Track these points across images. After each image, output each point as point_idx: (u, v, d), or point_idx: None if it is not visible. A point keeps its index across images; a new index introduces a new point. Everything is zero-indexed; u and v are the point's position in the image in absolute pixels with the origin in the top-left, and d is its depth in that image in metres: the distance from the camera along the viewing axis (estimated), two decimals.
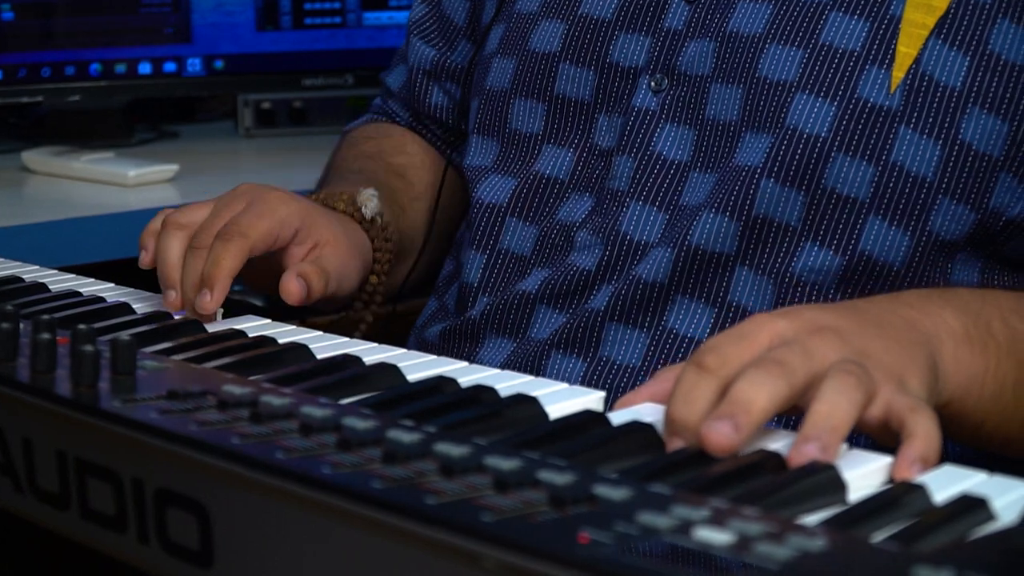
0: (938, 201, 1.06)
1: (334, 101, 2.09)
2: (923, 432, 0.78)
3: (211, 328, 1.05)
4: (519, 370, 1.13)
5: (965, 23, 1.07)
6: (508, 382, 0.91)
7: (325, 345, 1.01)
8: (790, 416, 0.84)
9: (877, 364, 0.82)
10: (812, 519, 0.69)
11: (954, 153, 1.06)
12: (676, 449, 0.79)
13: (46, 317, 0.90)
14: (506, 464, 0.70)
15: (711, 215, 1.10)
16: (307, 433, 0.75)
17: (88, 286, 1.18)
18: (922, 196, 1.06)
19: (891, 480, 0.77)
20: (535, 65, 1.23)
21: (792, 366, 0.79)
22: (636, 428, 0.82)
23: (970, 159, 1.06)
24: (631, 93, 1.17)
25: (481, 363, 1.16)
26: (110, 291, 1.17)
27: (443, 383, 0.91)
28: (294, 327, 1.07)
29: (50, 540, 0.85)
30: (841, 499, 0.74)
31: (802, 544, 0.61)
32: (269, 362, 0.96)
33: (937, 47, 1.07)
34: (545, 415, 0.86)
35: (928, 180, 1.06)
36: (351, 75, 2.02)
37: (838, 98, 1.08)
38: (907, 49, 1.07)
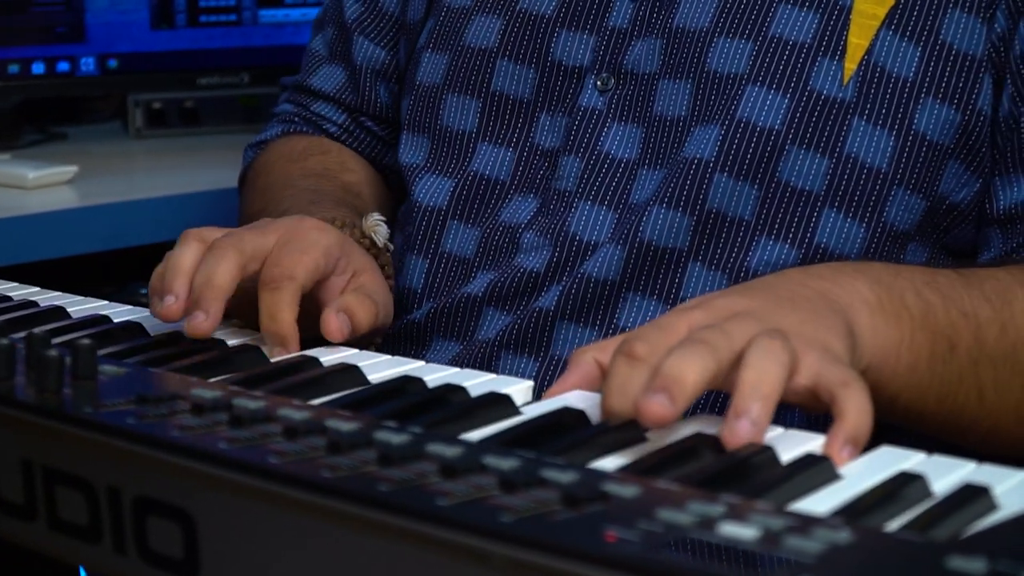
0: (892, 192, 1.07)
1: (226, 100, 2.05)
2: (854, 410, 0.78)
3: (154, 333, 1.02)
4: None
5: (916, 13, 1.07)
6: (473, 380, 0.90)
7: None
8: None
9: (796, 336, 0.81)
10: (820, 510, 0.69)
11: (908, 143, 1.07)
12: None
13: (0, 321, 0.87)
14: (506, 464, 0.69)
15: (662, 210, 1.10)
16: (292, 436, 0.73)
17: (14, 291, 1.15)
18: (877, 187, 1.07)
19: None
20: (470, 60, 1.21)
21: (715, 344, 0.79)
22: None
23: (924, 149, 1.07)
24: (576, 92, 1.16)
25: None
26: (38, 295, 1.13)
27: (408, 383, 0.89)
28: (236, 328, 1.04)
29: (13, 553, 0.82)
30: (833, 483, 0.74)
31: (828, 537, 0.61)
32: (224, 365, 0.94)
33: (888, 38, 1.07)
34: (517, 411, 0.85)
35: (883, 171, 1.07)
36: (247, 73, 1.99)
37: (790, 90, 1.08)
38: (859, 40, 1.07)
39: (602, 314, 1.11)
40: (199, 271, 0.98)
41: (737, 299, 0.87)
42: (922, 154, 1.07)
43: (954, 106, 1.07)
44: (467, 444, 0.72)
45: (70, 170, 1.73)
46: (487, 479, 0.67)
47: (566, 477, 0.67)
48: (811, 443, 0.79)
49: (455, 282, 1.18)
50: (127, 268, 1.74)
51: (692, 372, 0.77)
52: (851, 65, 1.07)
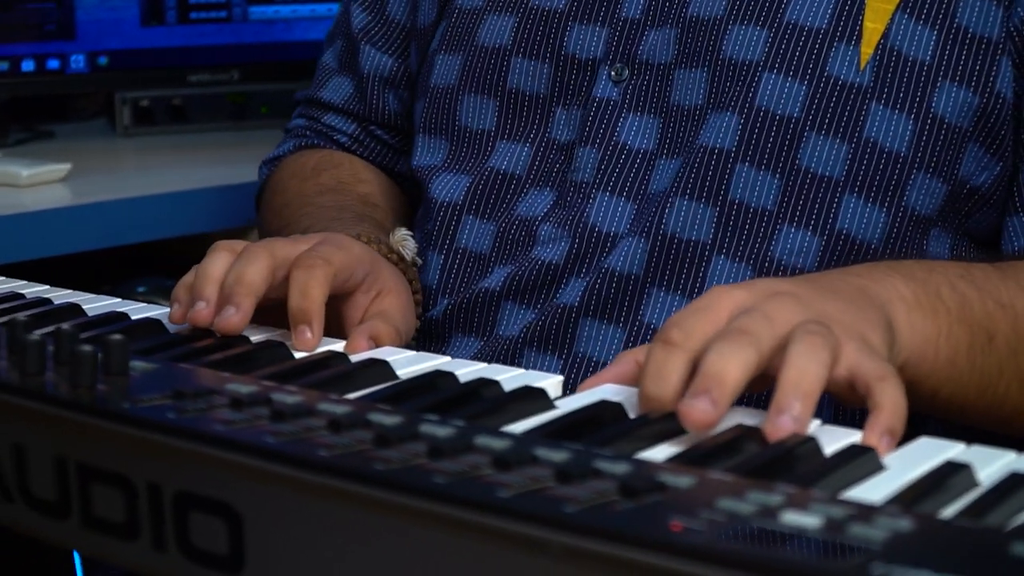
0: (912, 176, 1.07)
1: (213, 98, 2.04)
2: (890, 403, 0.78)
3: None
4: None
5: None
6: (503, 375, 0.89)
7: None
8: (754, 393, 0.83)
9: (837, 323, 0.82)
10: (872, 498, 0.69)
11: (927, 127, 1.07)
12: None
13: (23, 317, 0.86)
14: (557, 455, 0.68)
15: (684, 202, 1.10)
16: (337, 430, 0.72)
17: (24, 288, 1.13)
18: (896, 171, 1.07)
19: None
20: (484, 60, 1.21)
21: (757, 333, 0.79)
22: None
23: (942, 132, 1.07)
24: (590, 84, 1.16)
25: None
26: (49, 292, 1.12)
27: (439, 377, 0.88)
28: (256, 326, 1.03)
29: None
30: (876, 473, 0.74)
31: (890, 524, 0.61)
32: (251, 360, 0.93)
33: (904, 22, 1.08)
34: (552, 404, 0.84)
35: (902, 155, 1.07)
36: (237, 71, 1.98)
37: (807, 76, 1.08)
38: (874, 25, 1.08)
39: (627, 310, 1.11)
40: (230, 272, 0.98)
41: (780, 283, 0.87)
42: (941, 137, 1.07)
43: (971, 89, 1.07)
44: (514, 437, 0.71)
45: (63, 168, 1.72)
46: (541, 471, 0.67)
47: (620, 468, 0.67)
48: (850, 437, 0.78)
49: (471, 277, 1.18)
50: (121, 266, 1.73)
51: (734, 369, 0.77)
52: (867, 50, 1.07)
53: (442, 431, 0.72)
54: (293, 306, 0.97)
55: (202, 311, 0.97)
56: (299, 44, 2.00)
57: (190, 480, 0.72)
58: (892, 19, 1.07)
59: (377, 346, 0.99)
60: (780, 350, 0.79)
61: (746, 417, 0.80)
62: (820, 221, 1.08)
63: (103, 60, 1.91)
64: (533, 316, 1.13)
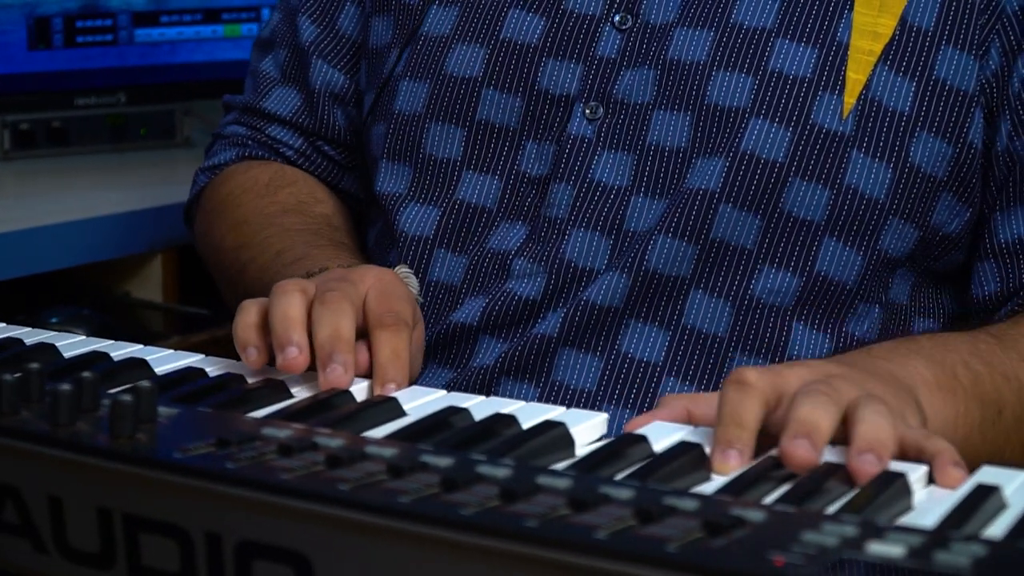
0: (888, 221, 1.12)
1: (94, 120, 2.01)
2: (946, 447, 0.83)
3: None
4: None
5: (909, 50, 1.12)
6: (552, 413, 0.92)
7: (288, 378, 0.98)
8: None
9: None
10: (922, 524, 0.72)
11: (904, 175, 1.11)
12: (730, 465, 0.82)
13: (35, 367, 0.85)
14: (626, 494, 0.71)
15: (667, 239, 1.12)
16: (399, 475, 0.73)
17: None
18: (874, 217, 1.11)
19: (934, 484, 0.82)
20: (453, 89, 1.21)
21: (835, 396, 0.84)
22: (681, 448, 0.84)
23: (918, 181, 1.12)
24: (564, 120, 1.17)
25: None
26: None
27: (451, 414, 0.90)
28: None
29: None
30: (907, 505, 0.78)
31: (968, 551, 0.64)
32: (250, 400, 0.94)
33: (884, 73, 1.12)
34: (571, 439, 0.87)
35: (880, 201, 1.11)
36: (123, 93, 1.96)
37: (793, 123, 1.11)
38: (856, 75, 1.11)
39: (604, 340, 1.13)
40: (322, 325, 0.97)
41: (827, 366, 0.92)
42: (917, 186, 1.12)
43: (946, 140, 1.12)
44: (581, 477, 0.74)
45: None
46: (619, 510, 0.69)
47: (693, 504, 0.70)
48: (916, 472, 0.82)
49: (443, 309, 1.19)
50: (28, 296, 1.70)
51: (826, 419, 0.82)
52: (850, 100, 1.11)
53: (502, 472, 0.73)
54: (385, 365, 0.98)
55: (297, 358, 0.96)
56: (184, 66, 1.99)
57: (254, 529, 0.73)
58: (874, 70, 1.11)
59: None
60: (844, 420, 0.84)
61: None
62: (800, 262, 1.12)
63: None
64: (508, 346, 1.15)
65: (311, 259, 1.18)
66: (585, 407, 1.11)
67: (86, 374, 0.84)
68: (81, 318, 1.56)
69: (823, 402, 0.82)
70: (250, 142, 1.40)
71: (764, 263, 1.12)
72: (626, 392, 1.13)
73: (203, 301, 1.74)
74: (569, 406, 1.10)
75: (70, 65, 1.91)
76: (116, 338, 1.09)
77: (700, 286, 1.13)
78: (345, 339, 0.96)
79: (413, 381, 1.03)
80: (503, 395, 1.13)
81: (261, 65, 1.40)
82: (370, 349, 0.99)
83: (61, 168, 1.97)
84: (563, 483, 0.72)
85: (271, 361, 0.99)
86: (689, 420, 0.89)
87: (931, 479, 0.82)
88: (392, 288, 1.03)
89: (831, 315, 1.13)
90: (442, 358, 1.18)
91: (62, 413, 0.80)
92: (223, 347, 1.12)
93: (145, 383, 0.82)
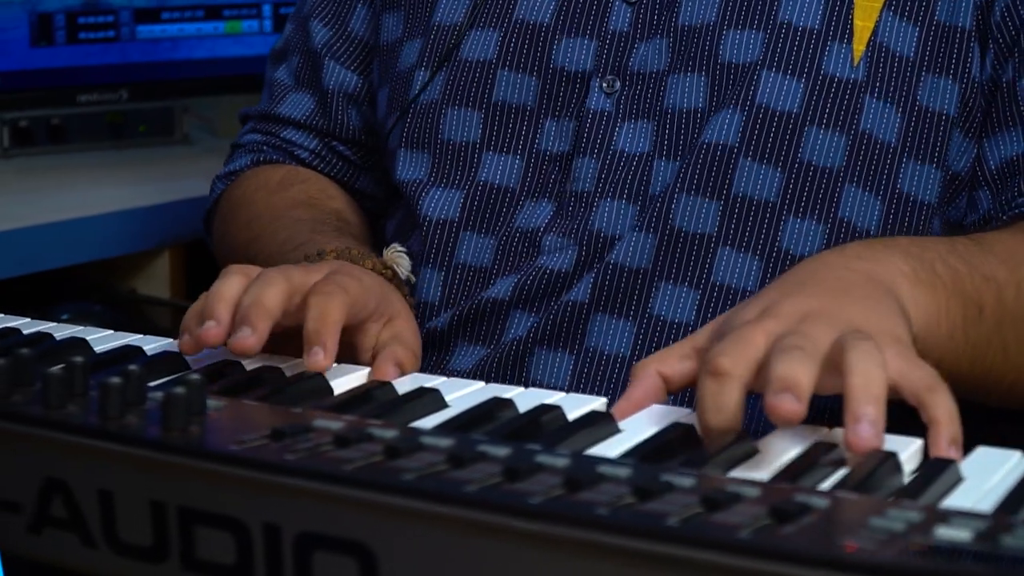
0: (903, 164, 1.13)
1: (93, 117, 2.01)
2: (946, 413, 0.83)
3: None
4: (497, 370, 1.14)
5: None
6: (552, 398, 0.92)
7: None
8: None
9: (870, 330, 0.87)
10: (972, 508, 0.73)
11: (913, 117, 1.13)
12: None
13: (79, 360, 0.85)
14: (688, 482, 0.71)
15: (689, 198, 1.14)
16: (460, 464, 0.74)
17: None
18: (890, 160, 1.13)
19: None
20: (469, 74, 1.23)
21: (807, 349, 0.83)
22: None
23: (929, 121, 1.13)
24: (582, 96, 1.19)
25: (453, 370, 1.15)
26: (28, 326, 1.11)
27: (495, 405, 0.90)
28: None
29: None
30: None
31: None
32: (291, 393, 0.94)
33: (890, 19, 1.14)
34: (616, 428, 0.87)
35: (892, 145, 1.13)
36: (125, 90, 1.95)
37: (805, 74, 1.13)
38: (864, 23, 1.14)
39: (635, 304, 1.14)
40: (246, 294, 0.98)
41: (798, 300, 0.91)
42: (928, 126, 1.13)
43: (951, 77, 1.14)
44: (636, 465, 0.74)
45: None
46: (684, 498, 0.69)
47: (754, 492, 0.70)
48: (909, 446, 0.83)
49: (473, 290, 1.20)
50: (38, 293, 1.69)
51: (805, 375, 0.82)
52: (860, 47, 1.13)
53: (561, 462, 0.74)
54: (310, 328, 0.97)
55: (212, 330, 0.96)
56: (185, 63, 1.99)
57: (315, 520, 0.73)
58: (880, 17, 1.14)
59: (402, 371, 1.01)
60: (829, 366, 0.83)
61: (803, 437, 0.84)
62: (822, 210, 1.13)
63: None
64: (540, 317, 1.16)
65: (312, 243, 1.19)
66: (620, 372, 1.13)
67: (132, 367, 0.83)
68: (92, 315, 1.55)
69: (798, 357, 0.82)
70: (265, 147, 1.41)
71: (788, 214, 1.13)
72: None
73: None
74: (606, 372, 1.13)
75: (72, 62, 1.91)
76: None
77: (727, 243, 1.14)
78: (263, 306, 0.96)
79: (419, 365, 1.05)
80: (536, 366, 1.15)
81: (275, 75, 1.42)
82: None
83: (60, 165, 1.96)
84: (624, 472, 0.72)
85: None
86: (668, 386, 0.90)
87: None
88: (346, 271, 1.04)
89: None
90: (474, 335, 1.18)
91: (112, 406, 0.80)
92: None
93: (194, 376, 0.82)
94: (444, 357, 1.19)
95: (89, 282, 1.74)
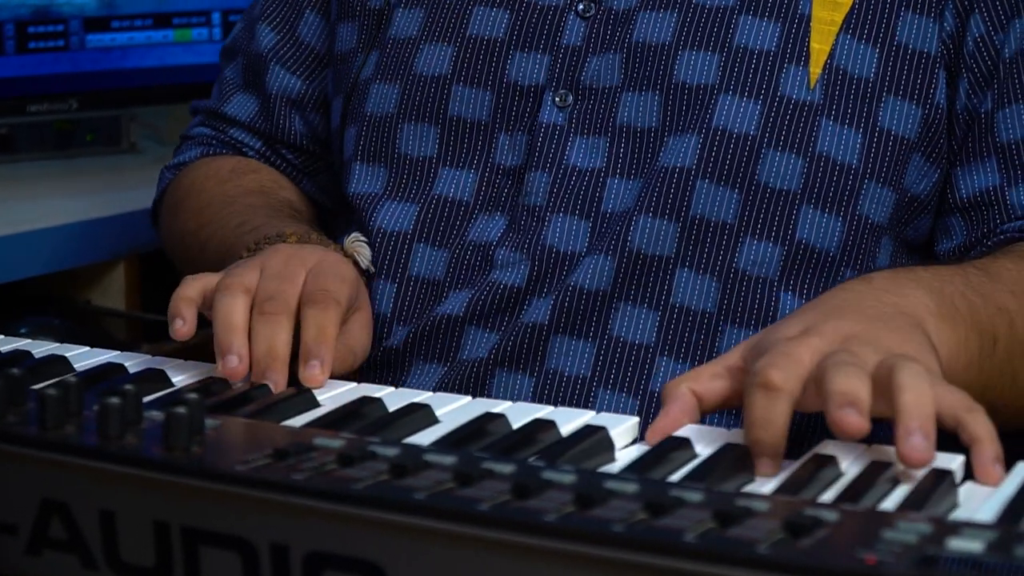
0: (864, 186, 1.14)
1: (40, 126, 1.99)
2: (987, 433, 0.85)
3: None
4: (457, 392, 1.13)
5: (870, 17, 1.15)
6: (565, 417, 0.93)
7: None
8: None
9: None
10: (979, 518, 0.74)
11: (875, 139, 1.14)
12: (768, 471, 0.84)
13: (73, 379, 0.85)
14: (697, 497, 0.72)
15: (648, 219, 1.14)
16: (467, 482, 0.74)
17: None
18: (849, 183, 1.14)
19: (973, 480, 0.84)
20: (424, 88, 1.23)
21: (859, 365, 0.85)
22: (728, 450, 0.85)
23: (890, 144, 1.15)
24: (535, 110, 1.19)
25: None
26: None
27: (487, 420, 0.91)
28: None
29: None
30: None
31: None
32: (281, 410, 0.94)
33: (847, 41, 1.15)
34: (611, 442, 0.88)
35: (853, 167, 1.14)
36: (75, 99, 1.94)
37: (762, 96, 1.14)
38: (820, 46, 1.15)
39: (595, 325, 1.14)
40: (259, 341, 1.01)
41: (840, 323, 0.92)
42: (889, 149, 1.15)
43: (914, 102, 1.15)
44: (650, 481, 0.75)
45: None
46: (697, 513, 0.70)
47: (763, 506, 0.71)
48: (952, 462, 0.85)
49: (426, 304, 1.20)
50: None
51: (863, 389, 0.84)
52: (816, 70, 1.14)
53: (568, 478, 0.74)
54: (309, 344, 1.01)
55: (237, 368, 1.00)
56: (135, 71, 1.97)
57: (324, 539, 0.73)
58: (836, 40, 1.15)
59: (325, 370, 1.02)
60: (876, 386, 0.85)
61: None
62: (780, 232, 1.14)
63: None
64: (498, 337, 1.16)
65: (269, 227, 1.21)
66: (580, 393, 1.13)
67: (128, 386, 0.83)
68: (52, 328, 1.54)
69: (854, 372, 0.84)
70: (214, 141, 1.42)
71: (746, 235, 1.14)
72: (620, 376, 1.14)
73: (165, 309, 1.72)
74: (564, 393, 1.14)
75: (23, 72, 1.89)
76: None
77: (685, 264, 1.14)
78: (280, 357, 1.00)
79: (359, 361, 1.09)
80: (497, 388, 1.15)
81: (226, 72, 1.43)
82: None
83: (8, 176, 1.94)
84: (632, 487, 0.73)
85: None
86: (701, 405, 0.91)
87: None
88: (330, 268, 1.07)
89: (817, 283, 1.15)
90: (429, 352, 1.18)
91: (112, 425, 0.80)
92: (192, 354, 1.12)
93: (192, 395, 0.82)
94: (401, 376, 1.18)
95: (44, 294, 1.72)
